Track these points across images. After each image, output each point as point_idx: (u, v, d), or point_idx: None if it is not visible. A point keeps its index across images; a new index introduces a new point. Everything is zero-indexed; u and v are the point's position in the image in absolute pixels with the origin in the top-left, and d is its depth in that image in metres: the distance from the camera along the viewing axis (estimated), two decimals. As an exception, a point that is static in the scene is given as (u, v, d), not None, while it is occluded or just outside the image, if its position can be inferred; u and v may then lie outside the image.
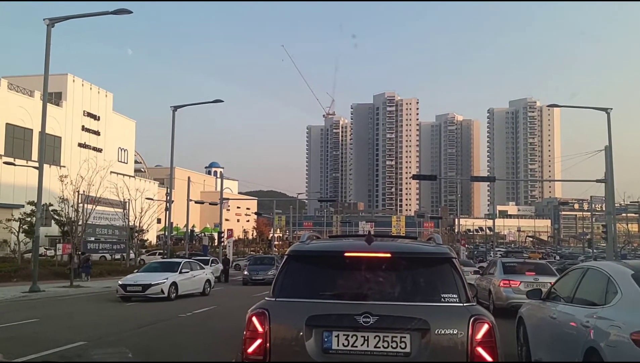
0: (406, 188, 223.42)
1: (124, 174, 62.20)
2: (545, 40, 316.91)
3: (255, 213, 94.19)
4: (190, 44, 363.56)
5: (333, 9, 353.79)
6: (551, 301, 7.09)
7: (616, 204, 37.44)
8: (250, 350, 4.18)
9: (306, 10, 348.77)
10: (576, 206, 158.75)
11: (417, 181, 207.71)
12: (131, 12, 22.38)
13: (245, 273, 33.30)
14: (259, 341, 4.20)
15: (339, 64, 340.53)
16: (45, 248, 46.82)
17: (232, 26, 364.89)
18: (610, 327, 5.07)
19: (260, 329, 4.21)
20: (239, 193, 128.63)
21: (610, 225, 34.86)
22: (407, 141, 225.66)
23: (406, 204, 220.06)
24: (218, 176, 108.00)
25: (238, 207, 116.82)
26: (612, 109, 33.47)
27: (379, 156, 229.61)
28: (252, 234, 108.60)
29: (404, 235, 29.99)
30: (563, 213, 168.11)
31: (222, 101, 36.79)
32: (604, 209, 43.14)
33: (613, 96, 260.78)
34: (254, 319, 4.26)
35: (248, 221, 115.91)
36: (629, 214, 64.88)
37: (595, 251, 64.86)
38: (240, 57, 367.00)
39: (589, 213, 78.95)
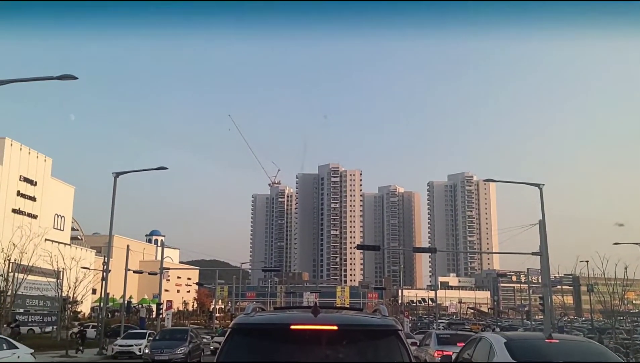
0: (350, 258, 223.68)
1: (59, 242, 59.60)
2: (483, 117, 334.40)
3: (197, 284, 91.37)
4: (135, 110, 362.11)
5: (283, 84, 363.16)
6: None
7: (551, 276, 38.68)
8: None
9: (252, 82, 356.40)
10: (514, 277, 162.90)
11: (362, 251, 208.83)
12: (76, 78, 22.18)
13: (147, 351, 26.65)
14: None
15: (284, 134, 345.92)
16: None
17: (179, 93, 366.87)
18: None
19: None
20: (180, 262, 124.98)
21: (547, 297, 35.79)
22: (351, 211, 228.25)
23: (350, 274, 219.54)
24: (159, 244, 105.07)
25: (179, 277, 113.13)
26: (544, 184, 35.20)
27: (323, 226, 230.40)
28: (193, 305, 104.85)
29: (349, 306, 29.54)
30: (502, 284, 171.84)
31: (166, 168, 36.50)
32: (540, 281, 44.45)
33: (547, 172, 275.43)
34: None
35: (189, 291, 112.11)
36: (563, 287, 67.01)
37: (533, 322, 66.18)
38: (186, 125, 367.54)
39: (526, 285, 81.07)
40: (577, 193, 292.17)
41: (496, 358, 7.88)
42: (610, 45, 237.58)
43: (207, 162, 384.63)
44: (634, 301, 68.31)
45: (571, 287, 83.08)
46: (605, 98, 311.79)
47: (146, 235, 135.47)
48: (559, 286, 58.59)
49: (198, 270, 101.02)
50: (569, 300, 76.68)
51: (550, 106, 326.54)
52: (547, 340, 10.34)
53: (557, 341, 10.94)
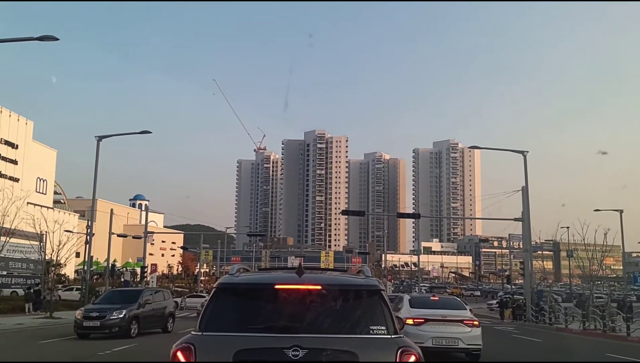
0: (335, 224, 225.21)
1: (42, 206, 59.07)
2: (470, 85, 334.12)
3: (181, 248, 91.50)
4: (118, 74, 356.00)
5: (270, 46, 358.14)
6: None
7: (532, 242, 39.33)
8: None
9: (238, 46, 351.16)
10: (495, 243, 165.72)
11: (346, 216, 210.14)
12: (57, 39, 21.60)
13: (78, 316, 19.11)
14: None
15: (274, 96, 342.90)
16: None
17: (163, 57, 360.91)
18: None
19: None
20: (165, 226, 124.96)
21: (527, 262, 36.51)
22: (336, 177, 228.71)
23: (335, 240, 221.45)
24: (143, 208, 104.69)
25: (163, 241, 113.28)
26: (528, 151, 35.50)
27: (309, 192, 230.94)
28: (178, 269, 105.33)
29: (333, 268, 30.15)
30: (483, 250, 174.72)
31: (150, 133, 35.97)
32: (521, 246, 45.19)
33: (531, 139, 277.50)
34: (179, 354, 4.14)
35: (173, 255, 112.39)
36: (544, 252, 68.21)
37: (513, 287, 67.56)
38: (171, 89, 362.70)
39: (508, 250, 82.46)
40: (560, 160, 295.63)
41: (402, 307, 14.21)
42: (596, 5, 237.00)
43: (192, 127, 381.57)
44: (612, 267, 69.99)
45: (551, 253, 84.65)
46: (589, 62, 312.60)
47: (130, 200, 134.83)
48: (539, 252, 59.61)
49: (183, 235, 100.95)
50: (549, 265, 78.16)
51: (535, 72, 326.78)
52: (432, 298, 16.65)
53: (437, 298, 16.95)
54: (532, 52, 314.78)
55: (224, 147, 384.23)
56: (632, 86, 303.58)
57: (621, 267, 52.40)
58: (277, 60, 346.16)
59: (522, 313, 36.38)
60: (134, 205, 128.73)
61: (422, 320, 13.03)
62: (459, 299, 18.40)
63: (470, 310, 15.19)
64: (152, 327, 20.26)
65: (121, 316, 18.71)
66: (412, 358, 4.12)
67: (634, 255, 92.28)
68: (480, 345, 13.29)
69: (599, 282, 48.86)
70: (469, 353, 13.38)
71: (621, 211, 39.00)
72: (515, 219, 37.37)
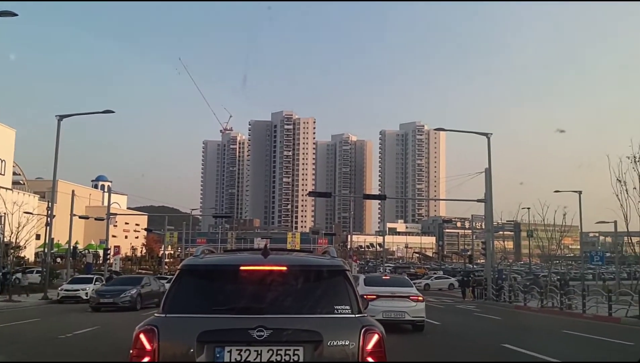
0: (302, 205, 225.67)
1: (0, 187, 57.38)
2: (436, 67, 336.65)
3: (145, 229, 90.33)
4: (79, 52, 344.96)
5: (234, 20, 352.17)
6: None
7: (494, 223, 40.22)
8: None
9: (204, 20, 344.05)
10: (459, 224, 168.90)
11: (313, 198, 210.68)
12: (16, 15, 20.82)
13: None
14: (146, 359, 4.05)
15: (239, 75, 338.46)
16: None
17: (127, 35, 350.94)
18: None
19: (148, 346, 4.06)
20: (128, 208, 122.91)
21: (489, 242, 37.32)
22: (304, 159, 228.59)
23: (301, 221, 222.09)
24: (105, 190, 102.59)
25: (126, 223, 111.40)
26: (492, 134, 36.12)
27: (276, 173, 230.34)
28: (142, 251, 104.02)
29: (299, 249, 30.35)
30: (447, 230, 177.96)
31: (113, 112, 35.29)
32: (483, 227, 46.15)
33: (495, 120, 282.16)
34: (142, 336, 4.10)
35: (137, 237, 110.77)
36: (505, 232, 69.84)
37: (475, 266, 69.12)
38: (136, 68, 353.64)
39: (470, 231, 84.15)
40: (522, 140, 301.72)
41: (358, 286, 13.76)
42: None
43: (157, 107, 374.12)
44: (570, 246, 72.22)
45: (512, 233, 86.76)
46: (549, 42, 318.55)
47: (92, 181, 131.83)
48: (500, 232, 61.07)
49: (147, 216, 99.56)
50: (510, 245, 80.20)
51: (498, 53, 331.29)
52: (383, 277, 19.64)
53: (388, 277, 19.96)
54: (495, 34, 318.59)
55: (190, 127, 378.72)
56: (589, 65, 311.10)
57: (579, 247, 54.20)
58: (241, 37, 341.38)
59: (481, 289, 37.23)
60: (96, 186, 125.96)
61: (374, 297, 14.53)
62: (407, 278, 22.33)
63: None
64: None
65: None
66: (375, 337, 4.19)
67: (591, 234, 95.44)
68: (423, 317, 15.51)
69: (557, 261, 50.43)
70: (414, 324, 15.42)
71: (580, 192, 40.13)
72: (478, 201, 38.10)
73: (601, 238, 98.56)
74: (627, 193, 25.64)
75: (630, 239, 30.12)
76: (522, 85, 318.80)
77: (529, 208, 44.98)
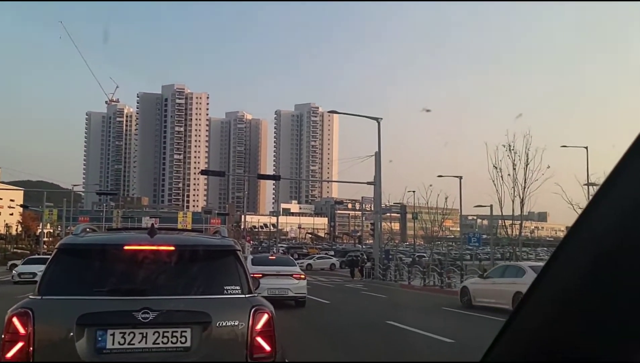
0: (194, 184, 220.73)
1: None
2: (331, 50, 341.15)
3: (21, 206, 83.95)
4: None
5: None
6: None
7: (382, 205, 41.86)
8: (9, 354, 3.75)
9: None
10: (350, 205, 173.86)
11: (206, 176, 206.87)
12: None
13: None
14: (20, 344, 3.79)
15: (126, 48, 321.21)
16: None
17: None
18: None
19: (22, 331, 3.80)
20: (2, 182, 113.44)
21: (377, 224, 38.84)
22: (196, 135, 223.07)
23: (194, 200, 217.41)
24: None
25: (0, 198, 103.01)
26: (382, 118, 37.38)
27: (166, 149, 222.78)
28: (17, 229, 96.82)
29: (190, 229, 30.37)
30: (338, 211, 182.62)
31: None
32: (372, 209, 47.90)
33: (387, 104, 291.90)
34: (15, 320, 3.83)
35: (12, 214, 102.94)
36: (392, 214, 72.95)
37: (364, 246, 71.75)
38: (13, 30, 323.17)
39: (360, 212, 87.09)
40: (405, 128, 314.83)
41: (247, 264, 15.01)
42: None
43: (35, 73, 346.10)
44: (450, 228, 77.07)
45: (399, 215, 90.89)
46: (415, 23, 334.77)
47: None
48: (388, 214, 63.68)
49: (23, 191, 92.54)
50: (396, 226, 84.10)
51: (380, 35, 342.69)
52: (269, 257, 20.92)
53: (274, 257, 21.15)
54: (378, 18, 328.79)
55: (72, 97, 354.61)
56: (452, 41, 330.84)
57: (459, 229, 57.98)
58: (135, 6, 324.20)
59: (367, 269, 38.77)
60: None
61: (260, 275, 15.06)
62: (291, 257, 24.06)
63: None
64: None
65: None
66: (265, 317, 4.20)
67: (469, 217, 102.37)
68: (305, 294, 16.95)
69: (439, 242, 53.56)
70: (297, 300, 16.68)
71: (460, 177, 42.71)
72: (368, 183, 39.42)
73: (479, 220, 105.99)
74: (502, 179, 27.78)
75: (504, 222, 32.53)
76: (398, 65, 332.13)
77: (414, 192, 47.33)
